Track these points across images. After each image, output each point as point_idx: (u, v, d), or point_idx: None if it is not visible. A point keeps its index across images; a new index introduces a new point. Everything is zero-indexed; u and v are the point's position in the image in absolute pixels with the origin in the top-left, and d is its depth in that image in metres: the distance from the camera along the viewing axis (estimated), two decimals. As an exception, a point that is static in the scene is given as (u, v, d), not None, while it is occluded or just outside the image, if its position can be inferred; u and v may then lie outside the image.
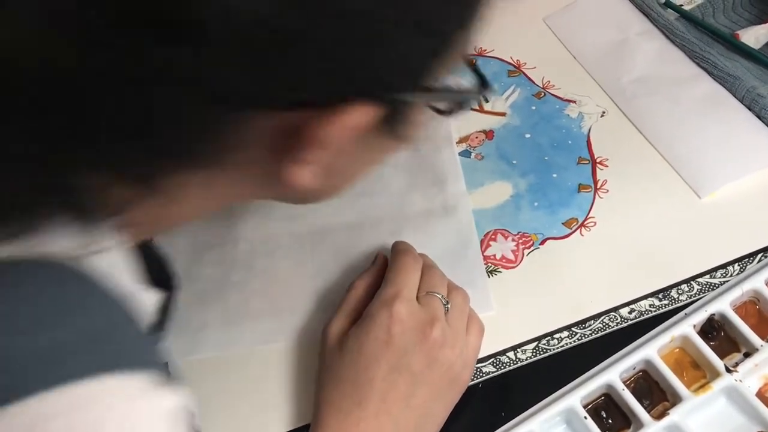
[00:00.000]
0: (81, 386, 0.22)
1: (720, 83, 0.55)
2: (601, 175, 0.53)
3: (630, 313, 0.46)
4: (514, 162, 0.55)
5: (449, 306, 0.42)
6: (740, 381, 0.41)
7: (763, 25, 0.59)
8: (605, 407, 0.42)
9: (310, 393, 0.43)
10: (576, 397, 0.41)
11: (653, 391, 0.42)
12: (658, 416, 0.40)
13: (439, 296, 0.42)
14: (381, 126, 0.26)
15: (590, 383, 0.42)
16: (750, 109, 0.53)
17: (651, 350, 0.42)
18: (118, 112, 0.20)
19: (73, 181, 0.22)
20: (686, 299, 0.46)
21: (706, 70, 0.57)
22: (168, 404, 0.24)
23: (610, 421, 0.41)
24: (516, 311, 0.47)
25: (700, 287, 0.46)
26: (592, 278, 0.48)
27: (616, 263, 0.48)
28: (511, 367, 0.45)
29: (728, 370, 0.41)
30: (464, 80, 0.29)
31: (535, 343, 0.45)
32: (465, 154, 0.56)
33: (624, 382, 0.42)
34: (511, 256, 0.50)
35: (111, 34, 0.18)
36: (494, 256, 0.50)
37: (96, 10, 0.18)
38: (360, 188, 0.54)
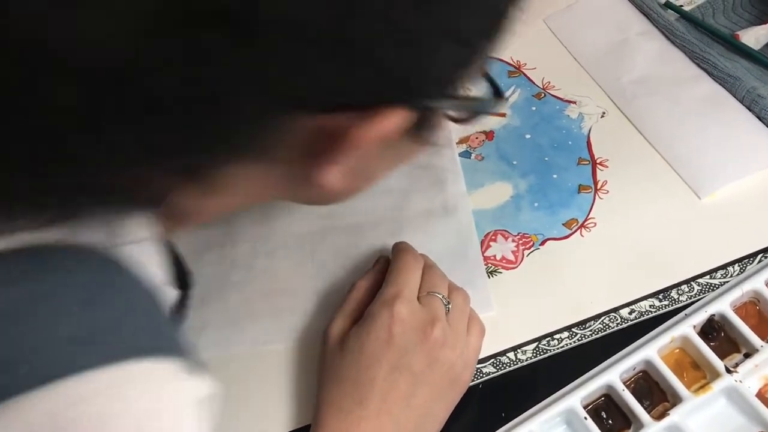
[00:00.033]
0: (113, 370, 0.22)
1: (720, 84, 0.55)
2: (601, 175, 0.53)
3: (630, 313, 0.46)
4: (515, 163, 0.55)
5: (450, 306, 0.42)
6: (740, 381, 0.41)
7: (763, 26, 0.59)
8: (605, 408, 0.42)
9: (310, 394, 0.43)
10: (576, 397, 0.41)
11: (653, 392, 0.42)
12: (659, 417, 0.40)
13: (440, 296, 0.42)
14: (408, 130, 0.26)
15: (590, 384, 0.42)
16: (750, 110, 0.53)
17: (651, 351, 0.42)
18: (185, 110, 0.21)
19: (119, 172, 0.23)
20: (686, 300, 0.46)
21: (706, 70, 0.57)
22: (196, 391, 0.25)
23: (610, 421, 0.41)
24: (516, 312, 0.47)
25: (700, 288, 0.46)
26: (592, 279, 0.48)
27: (616, 264, 0.48)
28: (511, 368, 0.45)
29: (728, 371, 0.41)
30: (476, 90, 0.31)
31: (536, 344, 0.45)
32: (465, 154, 0.56)
33: (624, 383, 0.42)
34: (511, 257, 0.50)
35: (183, 33, 0.19)
36: (494, 256, 0.50)
37: (166, 8, 0.18)
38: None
